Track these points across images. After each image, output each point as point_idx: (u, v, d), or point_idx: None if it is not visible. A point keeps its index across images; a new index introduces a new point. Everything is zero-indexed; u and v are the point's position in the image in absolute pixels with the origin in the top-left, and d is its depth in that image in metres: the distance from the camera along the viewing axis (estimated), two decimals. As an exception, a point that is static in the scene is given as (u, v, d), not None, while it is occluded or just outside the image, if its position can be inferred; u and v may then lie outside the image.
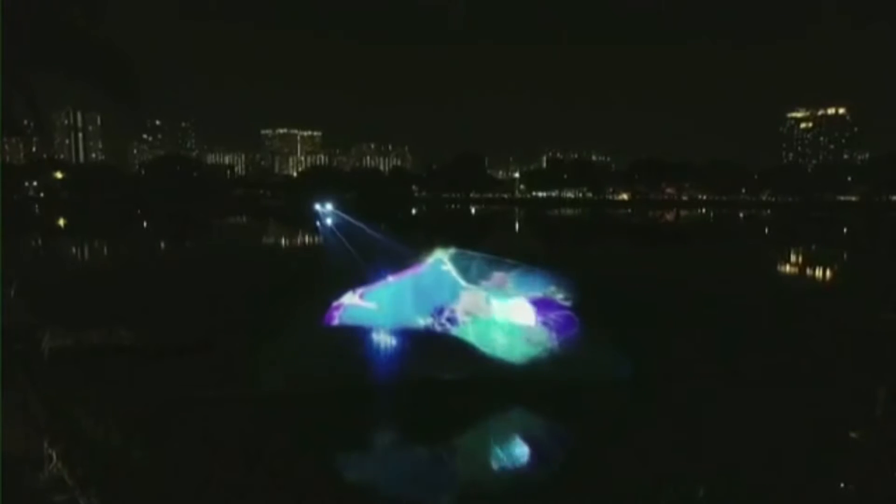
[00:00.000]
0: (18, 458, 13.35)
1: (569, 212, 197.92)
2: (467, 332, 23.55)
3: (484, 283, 23.82)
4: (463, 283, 23.96)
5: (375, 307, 24.05)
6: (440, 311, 23.82)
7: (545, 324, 23.26)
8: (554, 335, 23.12)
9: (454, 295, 23.79)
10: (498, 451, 18.94)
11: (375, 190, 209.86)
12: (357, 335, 23.56)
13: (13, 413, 15.31)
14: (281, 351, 22.38)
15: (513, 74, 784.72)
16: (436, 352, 22.62)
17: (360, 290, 24.21)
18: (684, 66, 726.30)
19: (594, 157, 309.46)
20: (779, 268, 66.80)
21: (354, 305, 24.15)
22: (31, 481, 12.83)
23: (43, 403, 16.83)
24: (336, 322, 24.27)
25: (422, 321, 23.88)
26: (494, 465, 18.04)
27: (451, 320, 23.77)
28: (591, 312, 23.25)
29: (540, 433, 20.46)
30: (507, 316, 23.50)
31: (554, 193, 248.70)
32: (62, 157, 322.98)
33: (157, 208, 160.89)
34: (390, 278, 24.19)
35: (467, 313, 23.73)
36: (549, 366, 22.13)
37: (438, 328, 23.84)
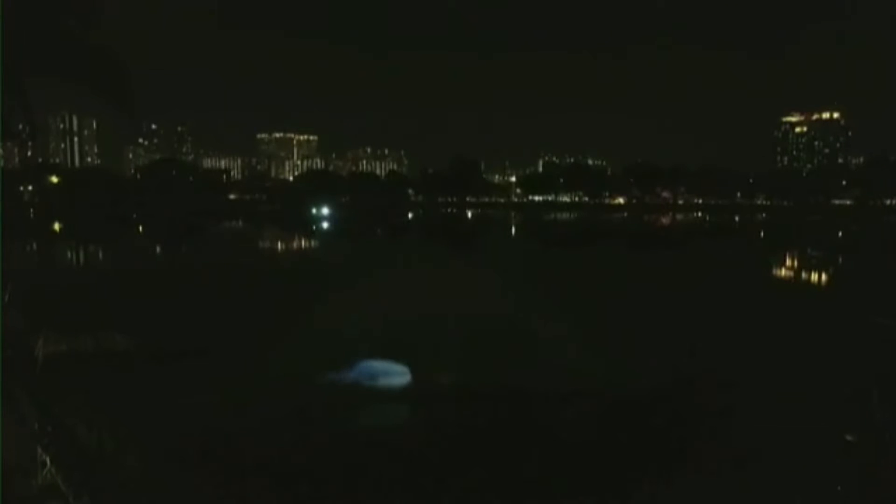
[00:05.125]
0: (12, 465, 13.26)
1: (565, 216, 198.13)
2: None
3: None
4: None
5: None
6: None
7: None
8: None
9: None
10: None
11: (371, 194, 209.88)
12: None
13: (6, 419, 15.20)
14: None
15: (509, 79, 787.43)
16: None
17: None
18: (680, 71, 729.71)
19: (590, 161, 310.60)
20: (772, 271, 66.94)
21: None
22: (25, 488, 12.75)
23: (36, 409, 16.72)
24: None
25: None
26: None
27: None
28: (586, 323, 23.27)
29: None
30: None
31: (550, 197, 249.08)
32: (58, 161, 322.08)
33: (153, 212, 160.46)
34: None
35: None
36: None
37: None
